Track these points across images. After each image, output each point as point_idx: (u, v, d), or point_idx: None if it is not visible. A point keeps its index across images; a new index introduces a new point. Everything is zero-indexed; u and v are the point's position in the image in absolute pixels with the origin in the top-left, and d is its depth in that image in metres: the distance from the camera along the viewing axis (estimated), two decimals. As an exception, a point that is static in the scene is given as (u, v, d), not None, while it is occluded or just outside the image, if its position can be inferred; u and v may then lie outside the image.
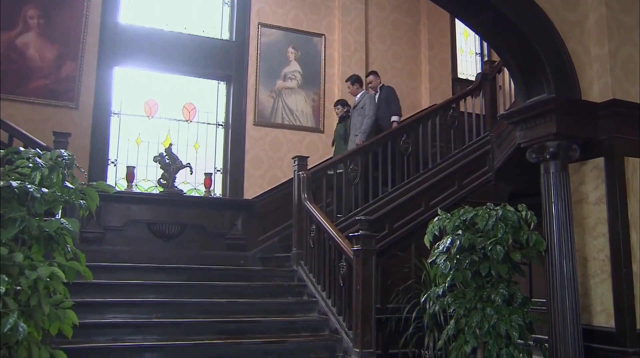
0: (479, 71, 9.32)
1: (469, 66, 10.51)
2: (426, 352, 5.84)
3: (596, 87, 4.44)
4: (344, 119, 8.07)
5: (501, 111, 7.34)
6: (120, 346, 4.88)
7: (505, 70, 7.34)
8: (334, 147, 8.24)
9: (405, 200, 7.13)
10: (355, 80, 8.18)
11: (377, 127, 7.97)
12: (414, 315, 5.92)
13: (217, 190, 8.27)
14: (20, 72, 7.39)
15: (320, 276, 6.16)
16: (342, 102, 8.20)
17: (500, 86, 8.00)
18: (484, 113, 8.06)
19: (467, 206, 4.70)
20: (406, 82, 9.65)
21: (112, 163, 7.93)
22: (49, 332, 3.01)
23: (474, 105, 8.12)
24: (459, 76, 10.21)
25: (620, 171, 4.30)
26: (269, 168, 8.40)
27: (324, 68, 9.09)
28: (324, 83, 9.05)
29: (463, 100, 8.26)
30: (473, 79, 9.34)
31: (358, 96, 7.98)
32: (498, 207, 4.54)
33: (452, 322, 4.64)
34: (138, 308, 5.39)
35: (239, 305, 5.77)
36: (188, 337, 5.17)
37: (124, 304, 5.39)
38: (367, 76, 8.56)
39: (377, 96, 8.21)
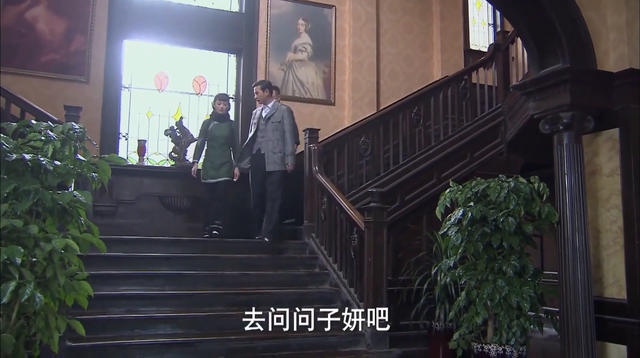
0: (492, 42, 9.18)
1: (481, 37, 10.36)
2: (437, 323, 5.88)
3: (612, 57, 4.36)
4: (226, 119, 6.93)
5: (514, 83, 7.26)
6: (134, 317, 4.96)
7: (519, 41, 7.24)
8: (200, 152, 6.89)
9: (417, 172, 7.11)
10: (266, 86, 6.93)
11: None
12: (425, 287, 5.95)
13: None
14: (31, 46, 7.37)
15: (332, 249, 6.20)
16: (223, 97, 7.02)
17: (513, 57, 7.90)
18: (496, 85, 7.97)
19: (479, 178, 4.69)
20: (418, 54, 9.54)
21: (124, 136, 7.95)
22: (65, 303, 3.05)
23: (486, 77, 8.03)
24: (472, 47, 10.07)
25: (636, 142, 4.24)
26: (280, 140, 8.36)
27: (335, 40, 9.00)
28: (335, 55, 8.97)
29: (475, 72, 8.17)
30: (485, 50, 9.20)
31: (270, 105, 6.76)
32: (510, 179, 4.51)
33: (463, 293, 4.66)
34: (151, 280, 5.46)
35: (250, 277, 5.83)
36: (200, 308, 5.24)
37: (137, 276, 5.45)
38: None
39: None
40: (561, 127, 4.28)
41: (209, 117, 7.03)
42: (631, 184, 4.20)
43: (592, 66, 4.35)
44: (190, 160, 6.94)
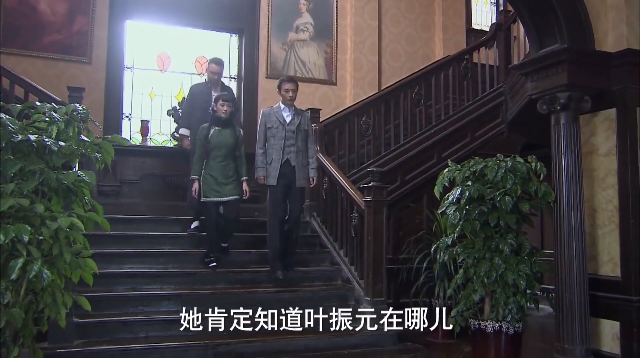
0: (494, 21, 9.17)
1: (483, 16, 10.32)
2: (436, 301, 5.96)
3: (611, 37, 4.38)
4: (229, 124, 5.71)
5: (515, 62, 7.27)
6: (139, 294, 5.08)
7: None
8: (201, 166, 5.65)
9: (418, 152, 7.18)
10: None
11: None
12: (424, 265, 6.03)
13: (231, 143, 8.33)
14: (33, 27, 7.40)
15: (333, 228, 6.29)
16: (228, 97, 5.79)
17: (515, 37, 7.88)
18: (497, 64, 7.98)
19: (477, 158, 4.74)
20: (419, 33, 9.52)
21: (127, 117, 8.02)
22: (71, 280, 3.15)
23: (487, 56, 8.04)
24: (474, 26, 10.04)
25: (632, 123, 4.29)
26: (282, 120, 8.40)
27: (336, 19, 8.99)
28: (337, 34, 8.96)
29: (477, 51, 8.18)
30: (488, 29, 9.18)
31: (290, 108, 5.78)
32: (508, 158, 4.56)
33: (461, 271, 4.75)
34: (155, 259, 5.58)
35: (252, 255, 5.93)
36: (204, 286, 5.35)
37: (142, 255, 5.57)
38: (214, 63, 6.48)
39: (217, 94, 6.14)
40: (558, 108, 4.32)
41: (207, 124, 5.66)
42: (627, 164, 4.25)
43: (591, 46, 4.37)
44: (193, 176, 5.64)
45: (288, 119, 5.72)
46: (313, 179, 5.86)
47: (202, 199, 5.58)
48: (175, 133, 7.45)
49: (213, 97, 6.00)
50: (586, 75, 4.29)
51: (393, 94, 7.57)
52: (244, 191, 5.68)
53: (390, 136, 7.43)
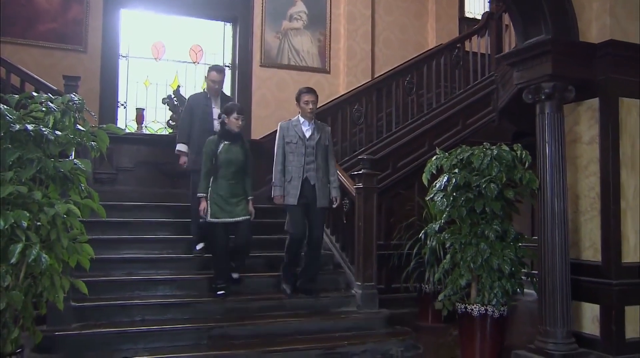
0: (487, 9, 9.24)
1: (476, 5, 10.39)
2: (426, 285, 6.10)
3: (595, 28, 4.48)
4: (239, 138, 5.28)
5: (507, 51, 7.36)
6: (135, 279, 5.21)
7: (511, 9, 7.30)
8: (209, 183, 5.20)
9: (409, 140, 7.30)
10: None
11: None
12: (415, 251, 6.16)
13: (226, 131, 8.43)
14: (29, 15, 7.47)
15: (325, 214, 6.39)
16: (240, 109, 5.39)
17: (507, 25, 7.97)
18: (489, 53, 8.08)
19: (464, 146, 4.86)
20: (412, 22, 9.60)
21: (122, 105, 8.10)
22: (69, 264, 3.26)
23: (479, 45, 8.13)
24: (466, 14, 10.13)
25: (614, 112, 4.40)
26: (276, 108, 8.52)
27: (330, 8, 9.06)
28: (330, 23, 9.04)
29: (469, 40, 8.27)
30: (480, 18, 9.25)
31: (310, 121, 5.39)
32: (494, 147, 4.69)
33: (448, 256, 4.88)
34: (150, 245, 5.71)
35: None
36: (198, 271, 5.48)
37: (137, 241, 5.70)
38: (215, 71, 5.97)
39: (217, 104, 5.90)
40: (543, 97, 4.42)
41: (215, 136, 5.26)
42: (608, 153, 4.36)
43: (575, 36, 4.47)
44: (200, 194, 5.17)
45: (308, 134, 5.31)
46: (336, 199, 5.42)
47: (210, 219, 5.11)
48: (170, 121, 7.54)
49: (212, 108, 5.75)
50: (570, 65, 4.38)
51: (385, 82, 7.68)
52: (250, 212, 5.27)
53: (383, 124, 7.54)
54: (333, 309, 5.41)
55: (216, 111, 5.73)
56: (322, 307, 5.38)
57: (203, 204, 5.13)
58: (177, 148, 5.86)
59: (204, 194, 5.15)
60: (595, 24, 4.47)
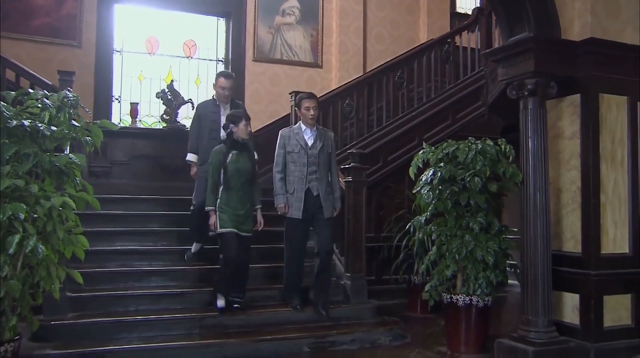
0: (477, 5, 9.35)
1: (467, 0, 10.50)
2: (415, 277, 6.24)
3: (576, 26, 4.59)
4: (243, 146, 5.07)
5: (496, 46, 7.47)
6: (129, 270, 5.35)
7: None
8: (217, 196, 5.00)
9: (400, 134, 7.42)
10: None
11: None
12: (404, 243, 6.28)
13: (219, 125, 8.52)
14: (23, 10, 7.55)
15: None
16: (247, 115, 5.21)
17: (496, 21, 8.06)
18: (479, 48, 8.18)
19: (450, 140, 4.98)
20: (404, 17, 9.71)
21: (116, 99, 8.20)
22: (64, 255, 3.39)
23: (469, 40, 8.24)
24: (458, 10, 10.25)
25: (595, 108, 4.52)
26: (269, 102, 8.64)
27: (322, 3, 9.17)
28: (322, 18, 9.16)
29: (459, 35, 8.37)
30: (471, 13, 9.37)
31: (312, 128, 5.20)
32: (478, 141, 4.81)
33: (434, 248, 5.02)
34: (144, 237, 5.84)
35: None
36: (191, 262, 5.59)
37: (131, 233, 5.83)
38: (223, 77, 5.80)
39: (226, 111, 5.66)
40: (526, 93, 4.54)
41: (222, 146, 5.05)
42: (589, 147, 4.49)
43: (557, 34, 4.59)
44: (209, 207, 4.95)
45: (310, 142, 5.10)
46: (336, 210, 5.27)
47: (221, 230, 4.88)
48: (164, 115, 7.62)
49: (222, 116, 5.54)
50: (552, 62, 4.50)
51: (376, 77, 7.78)
52: (259, 223, 5.15)
53: (374, 118, 7.65)
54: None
55: (225, 119, 5.47)
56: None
57: (213, 218, 4.91)
58: (187, 158, 5.71)
59: (213, 208, 4.92)
60: (577, 22, 4.59)
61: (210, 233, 5.14)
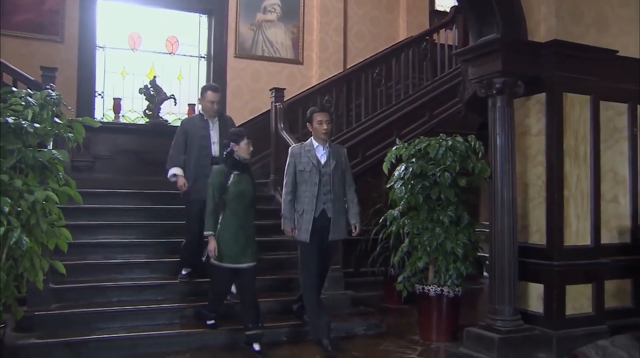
0: (455, 3, 9.52)
1: (446, -2, 10.70)
2: (391, 269, 6.41)
3: (542, 28, 4.79)
4: (244, 167, 4.74)
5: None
6: (111, 263, 5.50)
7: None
8: (217, 220, 4.62)
9: (378, 129, 7.61)
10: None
11: None
12: (380, 236, 6.46)
13: (201, 120, 8.63)
14: (4, 5, 7.56)
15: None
16: (249, 134, 4.88)
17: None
18: (457, 45, 8.37)
19: (422, 137, 5.18)
20: (384, 15, 9.88)
21: (99, 94, 8.30)
22: (48, 247, 3.53)
23: (446, 38, 8.43)
24: (437, 8, 10.44)
25: (559, 106, 4.72)
26: (250, 98, 8.78)
27: (303, 1, 9.32)
28: (303, 15, 9.31)
29: (437, 33, 8.56)
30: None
31: (324, 144, 4.79)
32: (449, 138, 5.01)
33: (407, 240, 5.21)
34: (126, 230, 5.97)
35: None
36: (171, 254, 5.73)
37: (114, 226, 5.96)
38: (211, 90, 5.51)
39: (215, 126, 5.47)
40: (494, 92, 4.73)
41: (223, 165, 4.68)
42: (553, 144, 4.70)
43: (524, 36, 4.78)
44: (208, 232, 4.56)
45: (323, 160, 4.70)
46: (356, 227, 4.89)
47: (214, 262, 4.57)
48: (147, 110, 7.71)
49: (210, 131, 5.35)
50: (519, 63, 4.69)
51: (355, 74, 7.95)
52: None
53: (353, 114, 7.82)
54: (300, 290, 5.69)
55: (214, 134, 5.37)
56: (288, 289, 5.66)
57: (212, 244, 4.51)
58: (170, 173, 5.39)
59: (213, 233, 4.53)
60: (543, 24, 4.79)
61: (203, 259, 4.77)
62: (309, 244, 4.63)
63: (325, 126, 4.71)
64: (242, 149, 4.62)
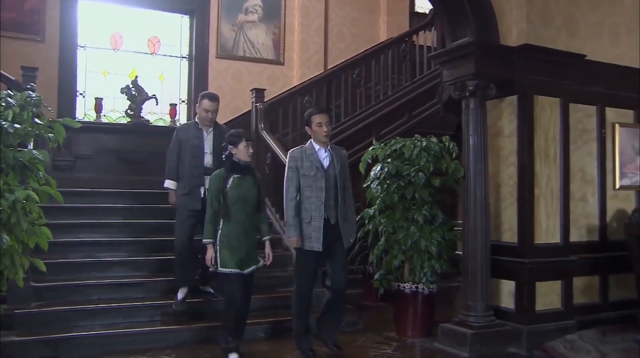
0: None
1: (426, 0, 10.80)
2: (370, 267, 6.51)
3: (514, 32, 4.94)
4: (245, 169, 4.49)
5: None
6: (92, 261, 5.55)
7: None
8: (217, 227, 4.41)
9: (357, 130, 7.73)
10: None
11: None
12: (359, 234, 6.56)
13: (182, 120, 8.65)
14: (-15, 6, 7.58)
15: (275, 200, 6.77)
16: (248, 135, 4.62)
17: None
18: (435, 47, 8.50)
19: (398, 138, 5.30)
20: (365, 16, 9.99)
21: (81, 94, 8.31)
22: (28, 245, 3.58)
23: (425, 39, 8.56)
24: (417, 9, 10.58)
25: (530, 108, 4.88)
26: (232, 99, 8.84)
27: (284, 2, 9.40)
28: (284, 16, 9.39)
29: (416, 34, 8.69)
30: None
31: (326, 147, 4.55)
32: (424, 138, 5.14)
33: (383, 239, 5.33)
34: (108, 229, 6.03)
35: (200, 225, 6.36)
36: (153, 253, 5.82)
37: (95, 225, 6.01)
38: (208, 99, 5.35)
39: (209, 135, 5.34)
40: (467, 94, 4.87)
41: (222, 169, 4.46)
42: (524, 145, 4.85)
43: (496, 39, 4.92)
44: (206, 239, 4.37)
45: (326, 163, 4.49)
46: (352, 239, 4.68)
47: (221, 270, 4.32)
48: (128, 110, 7.75)
49: (205, 141, 5.24)
50: (491, 66, 4.84)
51: (335, 75, 8.06)
52: (267, 256, 4.58)
53: (332, 115, 7.91)
54: (279, 288, 5.80)
55: (208, 144, 5.26)
56: (269, 286, 5.76)
57: (210, 253, 4.33)
58: (164, 184, 5.30)
59: (211, 241, 4.34)
60: (514, 29, 4.94)
61: (210, 269, 4.56)
62: (312, 252, 4.40)
63: (325, 129, 4.48)
64: (241, 151, 4.41)
